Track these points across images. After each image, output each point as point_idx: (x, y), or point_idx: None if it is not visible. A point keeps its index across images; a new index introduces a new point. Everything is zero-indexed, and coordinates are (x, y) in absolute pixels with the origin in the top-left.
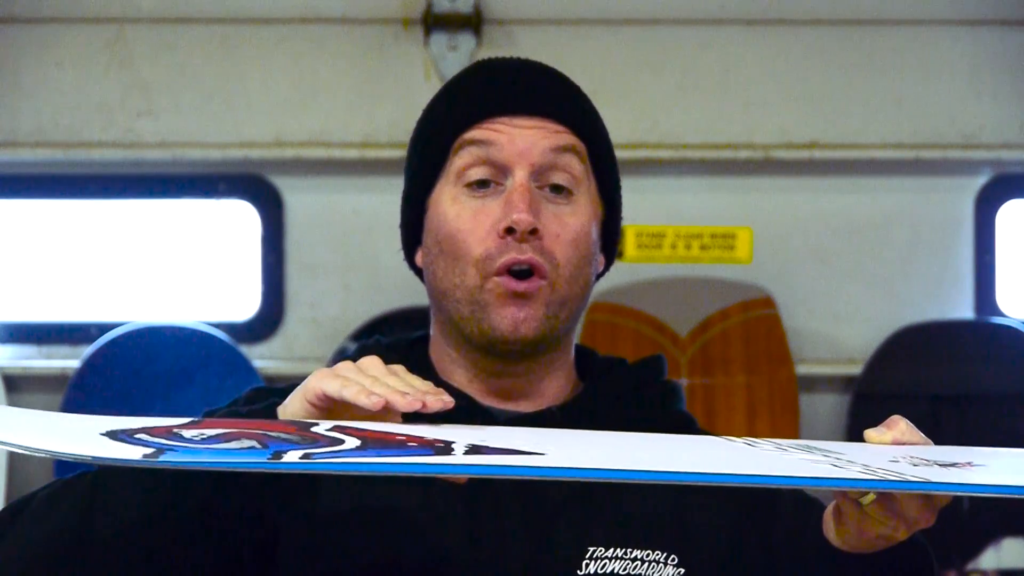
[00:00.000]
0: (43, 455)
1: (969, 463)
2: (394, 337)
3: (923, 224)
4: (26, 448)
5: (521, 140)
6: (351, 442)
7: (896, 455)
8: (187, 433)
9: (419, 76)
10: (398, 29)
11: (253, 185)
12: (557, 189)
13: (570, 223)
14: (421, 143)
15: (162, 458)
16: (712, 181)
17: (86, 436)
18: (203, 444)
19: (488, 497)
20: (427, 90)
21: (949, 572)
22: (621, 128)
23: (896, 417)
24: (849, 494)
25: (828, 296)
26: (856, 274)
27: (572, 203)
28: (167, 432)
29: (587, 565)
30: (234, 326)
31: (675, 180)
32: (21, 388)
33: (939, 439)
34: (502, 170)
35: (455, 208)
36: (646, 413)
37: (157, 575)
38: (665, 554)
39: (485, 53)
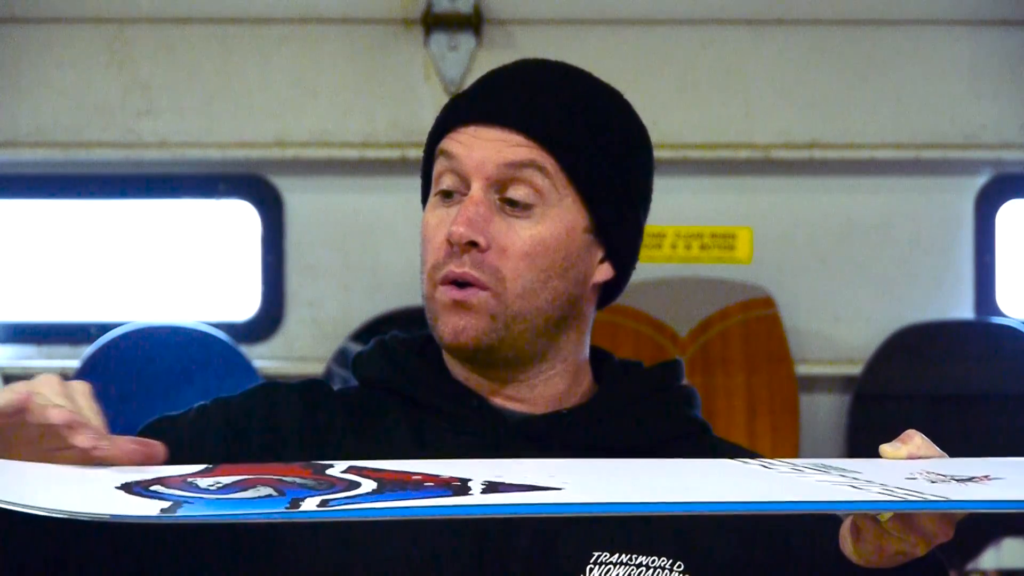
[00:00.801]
0: (61, 516)
1: (987, 476)
2: (412, 334)
3: (923, 224)
4: (39, 509)
5: (479, 152)
6: (367, 485)
7: (913, 470)
8: (202, 483)
9: (419, 76)
10: (398, 29)
11: (253, 185)
12: (513, 203)
13: (523, 237)
14: (425, 147)
15: (180, 512)
16: (712, 181)
17: (101, 490)
18: (219, 494)
19: None
20: (427, 90)
21: (949, 572)
22: None
23: (911, 432)
24: (868, 511)
25: (828, 296)
26: (856, 274)
27: (531, 217)
28: (181, 482)
29: (591, 571)
30: (234, 326)
31: (675, 180)
32: None
33: (939, 439)
34: (465, 181)
35: (427, 216)
36: (661, 418)
37: None
38: (671, 561)
39: (485, 53)
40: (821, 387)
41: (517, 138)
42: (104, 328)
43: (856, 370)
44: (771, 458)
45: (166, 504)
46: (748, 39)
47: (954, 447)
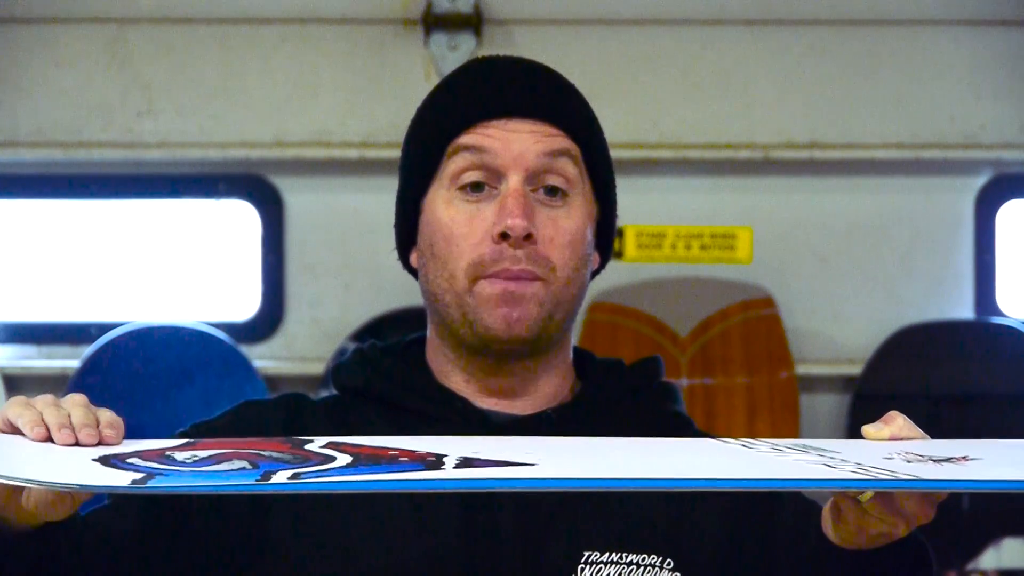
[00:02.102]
0: (33, 486)
1: (965, 457)
2: (389, 341)
3: (923, 224)
4: (14, 479)
5: (516, 145)
6: (342, 459)
7: (891, 451)
8: (179, 456)
9: (419, 76)
10: (398, 29)
11: (253, 185)
12: (552, 192)
13: (565, 226)
14: (415, 145)
15: (151, 483)
16: (712, 181)
17: (78, 463)
18: (194, 467)
19: (483, 500)
20: (427, 90)
21: (949, 572)
22: (621, 128)
23: (893, 413)
24: (847, 491)
25: (828, 296)
26: (856, 274)
27: (567, 205)
28: (159, 455)
29: (582, 570)
30: (234, 326)
31: (675, 180)
32: (21, 388)
33: (939, 439)
34: (496, 174)
35: (449, 212)
36: (643, 414)
37: None
38: (661, 558)
39: (485, 53)
40: (821, 387)
41: (550, 128)
42: (104, 328)
43: (856, 370)
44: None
45: (139, 475)
46: (748, 39)
47: None
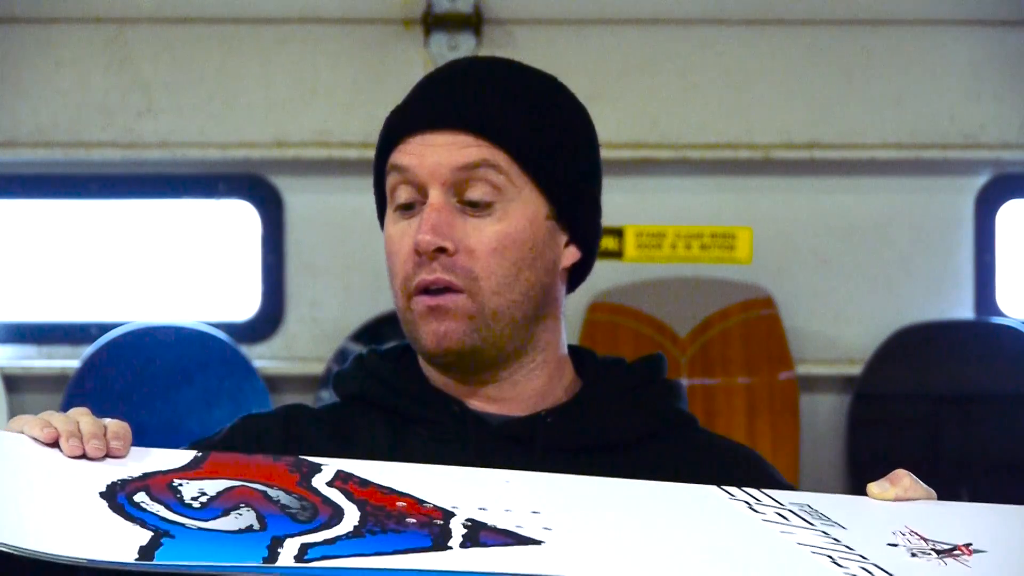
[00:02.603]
0: (34, 556)
1: (969, 545)
2: (388, 346)
3: (923, 224)
4: (12, 548)
5: (431, 159)
6: (351, 515)
7: (896, 527)
8: (187, 491)
9: (419, 76)
10: (398, 29)
11: (253, 185)
12: (473, 204)
13: (488, 234)
14: (374, 165)
15: (157, 553)
16: (712, 181)
17: (83, 498)
18: (201, 519)
19: None
20: None
21: None
22: (621, 128)
23: (900, 472)
24: None
25: (828, 296)
26: (856, 274)
27: (493, 214)
28: (165, 487)
29: None
30: (234, 326)
31: (675, 180)
32: (21, 388)
33: (940, 439)
34: (422, 191)
35: (389, 230)
36: (644, 413)
37: None
38: None
39: (485, 53)
40: (821, 387)
41: (466, 139)
42: (104, 328)
43: (856, 370)
44: (768, 458)
45: (144, 540)
46: (748, 39)
47: (954, 447)
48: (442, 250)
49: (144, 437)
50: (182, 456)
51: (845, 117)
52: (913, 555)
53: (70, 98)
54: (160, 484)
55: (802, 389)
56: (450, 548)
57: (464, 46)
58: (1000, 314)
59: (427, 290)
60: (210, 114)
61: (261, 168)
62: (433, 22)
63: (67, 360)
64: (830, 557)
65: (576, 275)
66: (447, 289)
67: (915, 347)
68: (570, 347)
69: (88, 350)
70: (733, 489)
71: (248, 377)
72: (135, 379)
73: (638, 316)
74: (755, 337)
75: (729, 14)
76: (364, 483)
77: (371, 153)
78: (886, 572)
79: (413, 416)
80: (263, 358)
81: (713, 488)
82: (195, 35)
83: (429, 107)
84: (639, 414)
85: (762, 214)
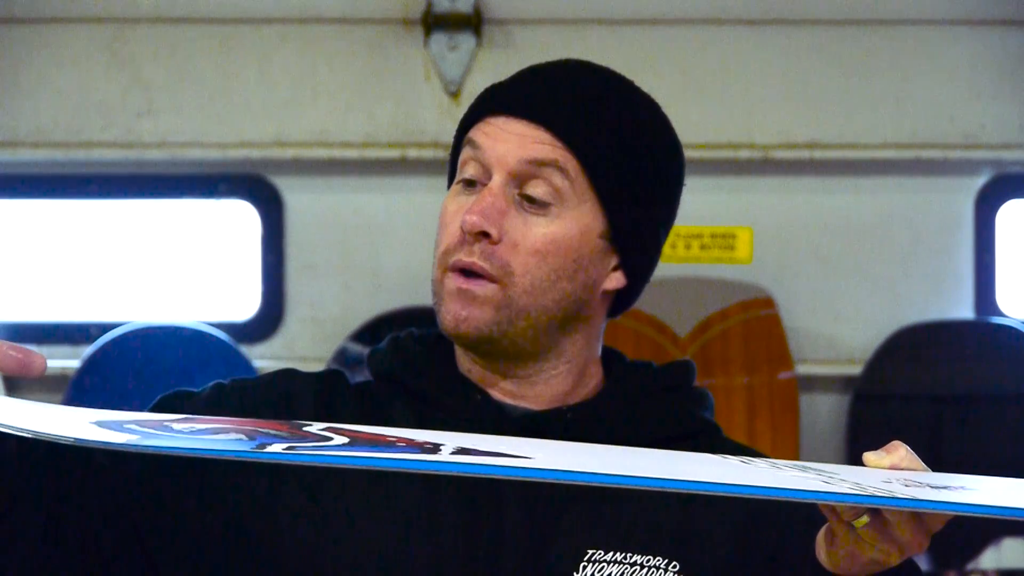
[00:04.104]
0: (27, 435)
1: (962, 487)
2: (427, 331)
3: (923, 224)
4: (11, 428)
5: (502, 145)
6: (339, 440)
7: (890, 477)
8: (177, 426)
9: (419, 76)
10: (398, 29)
11: (253, 185)
12: (531, 200)
13: (537, 234)
14: (456, 132)
15: (146, 442)
16: (712, 181)
17: (76, 423)
18: (190, 435)
19: (487, 497)
20: (427, 90)
21: (949, 572)
22: None
23: (896, 443)
24: (842, 516)
25: (828, 296)
26: (856, 274)
27: (548, 215)
28: (158, 424)
29: (584, 568)
30: (234, 326)
31: None
32: (21, 388)
33: (940, 439)
34: (488, 172)
35: (448, 202)
36: (666, 416)
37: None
38: (666, 560)
39: (485, 53)
40: (821, 387)
41: (542, 135)
42: (104, 328)
43: (856, 370)
44: (773, 458)
45: (134, 436)
46: (748, 39)
47: (954, 447)
48: (486, 236)
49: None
50: (173, 416)
51: (845, 117)
52: (907, 486)
53: (70, 98)
54: (150, 423)
55: (802, 389)
56: (439, 453)
57: (464, 46)
58: (1000, 314)
59: (461, 271)
60: (210, 114)
61: (261, 168)
62: (433, 22)
63: (67, 360)
64: (824, 482)
65: (619, 302)
66: (479, 275)
67: (915, 347)
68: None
69: (88, 350)
70: (727, 456)
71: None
72: (135, 379)
73: (638, 316)
74: (755, 337)
75: (729, 14)
76: (354, 430)
77: (371, 153)
78: (879, 489)
79: (436, 401)
80: (263, 358)
81: (708, 455)
82: (195, 35)
83: (516, 93)
84: (661, 417)
85: (762, 214)
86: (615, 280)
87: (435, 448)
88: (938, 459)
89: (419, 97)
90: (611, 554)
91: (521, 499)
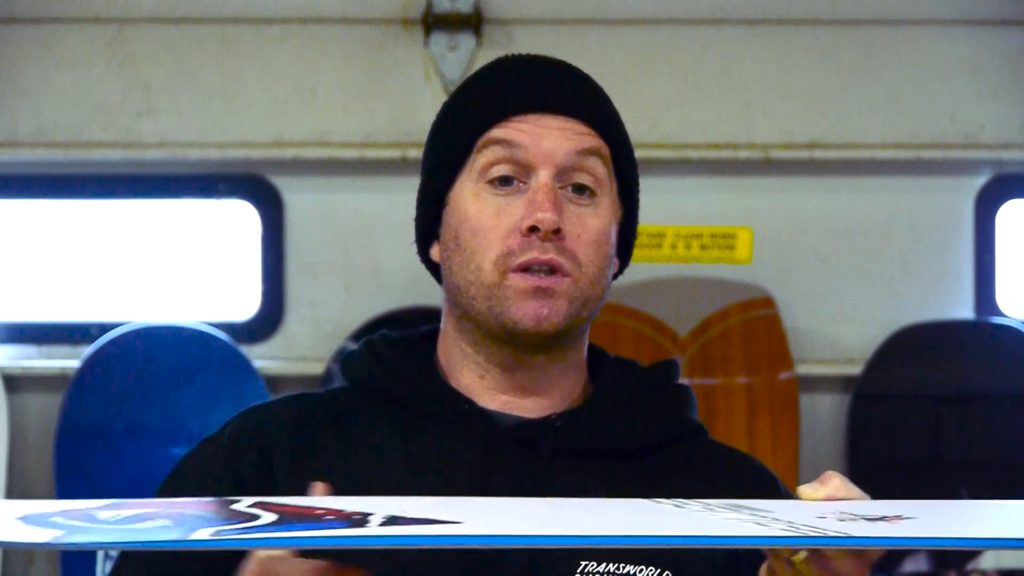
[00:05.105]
0: None
1: (899, 516)
2: (400, 333)
3: (923, 224)
4: None
5: (547, 140)
6: (267, 517)
7: (824, 511)
8: (103, 515)
9: (419, 76)
10: (398, 29)
11: (253, 185)
12: (580, 190)
13: (591, 224)
14: (444, 138)
15: (69, 539)
16: (712, 181)
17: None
18: (116, 524)
19: None
20: (427, 90)
21: (949, 572)
22: None
23: (830, 473)
24: (781, 552)
25: (828, 296)
26: (856, 274)
27: (594, 204)
28: (84, 515)
29: None
30: (234, 326)
31: (675, 180)
32: (21, 388)
33: (940, 439)
34: (526, 169)
35: (477, 204)
36: (656, 420)
37: None
38: (659, 570)
39: (485, 53)
40: (821, 387)
41: (580, 126)
42: (104, 328)
43: (856, 370)
44: (768, 458)
45: (59, 532)
46: (748, 39)
47: (954, 447)
48: (556, 231)
49: (144, 437)
50: (99, 502)
51: (845, 117)
52: (841, 520)
53: (70, 98)
54: (76, 513)
55: (802, 389)
56: (368, 525)
57: (464, 46)
58: (1000, 314)
59: (528, 269)
60: (210, 114)
61: (261, 168)
62: (433, 22)
63: (67, 360)
64: (757, 523)
65: None
66: (553, 271)
67: (915, 347)
68: None
69: (88, 350)
70: (660, 500)
71: (248, 377)
72: (135, 379)
73: (638, 316)
74: (755, 337)
75: (729, 14)
76: (282, 504)
77: (371, 153)
78: (812, 527)
79: (422, 412)
80: (263, 358)
81: (641, 500)
82: (195, 35)
83: (542, 90)
84: (649, 422)
85: (762, 214)
86: (615, 265)
87: (364, 519)
88: (938, 459)
89: (419, 97)
90: (604, 565)
91: None
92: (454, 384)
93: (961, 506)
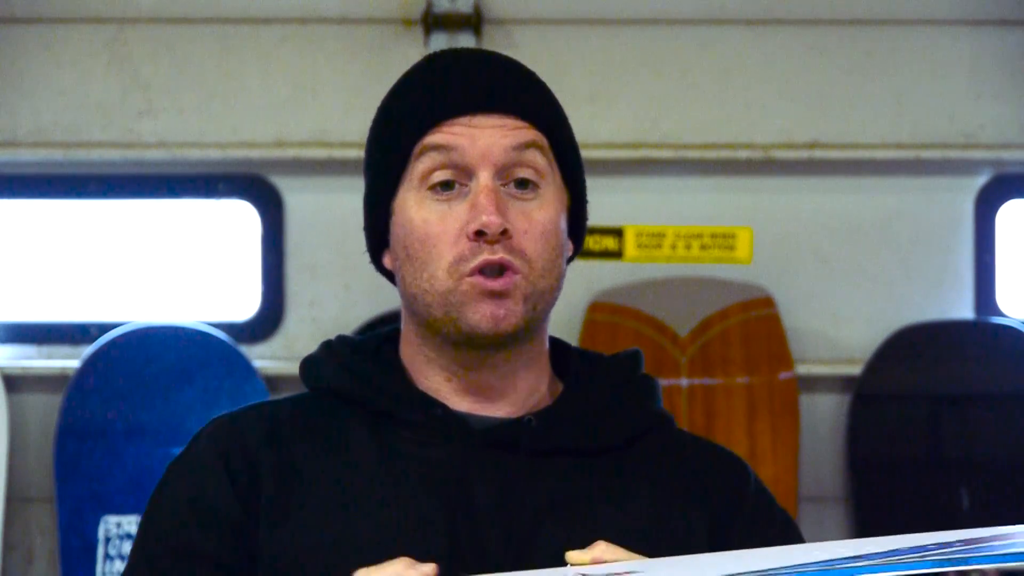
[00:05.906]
0: None
1: (631, 573)
2: (362, 336)
3: (923, 224)
4: None
5: (482, 141)
6: None
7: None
8: None
9: None
10: (398, 29)
11: (253, 185)
12: (522, 184)
13: (537, 218)
14: (381, 147)
15: None
16: (712, 181)
17: None
18: None
19: (467, 506)
20: None
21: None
22: (621, 128)
23: (598, 541)
24: None
25: (828, 296)
26: (856, 274)
27: (538, 197)
28: None
29: None
30: (234, 326)
31: (675, 180)
32: (21, 388)
33: (940, 439)
34: (465, 172)
35: (421, 213)
36: (626, 415)
37: None
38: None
39: None
40: (821, 387)
41: (516, 122)
42: (104, 328)
43: (856, 370)
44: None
45: None
46: (748, 39)
47: (954, 447)
48: (503, 232)
49: (144, 437)
50: None
51: (845, 117)
52: None
53: (70, 98)
54: None
55: (802, 389)
56: None
57: (464, 46)
58: (1000, 314)
59: (482, 271)
60: (210, 114)
61: (261, 168)
62: (433, 22)
63: (67, 360)
64: None
65: None
66: (505, 270)
67: (915, 347)
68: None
69: (88, 350)
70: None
71: (248, 377)
72: (135, 379)
73: (638, 316)
74: (755, 337)
75: (729, 14)
76: None
77: None
78: None
79: (395, 417)
80: (263, 358)
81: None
82: (195, 35)
83: (472, 90)
84: (621, 417)
85: (762, 214)
86: (568, 249)
87: None
88: (938, 459)
89: None
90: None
91: (498, 516)
92: (422, 387)
93: (698, 560)
